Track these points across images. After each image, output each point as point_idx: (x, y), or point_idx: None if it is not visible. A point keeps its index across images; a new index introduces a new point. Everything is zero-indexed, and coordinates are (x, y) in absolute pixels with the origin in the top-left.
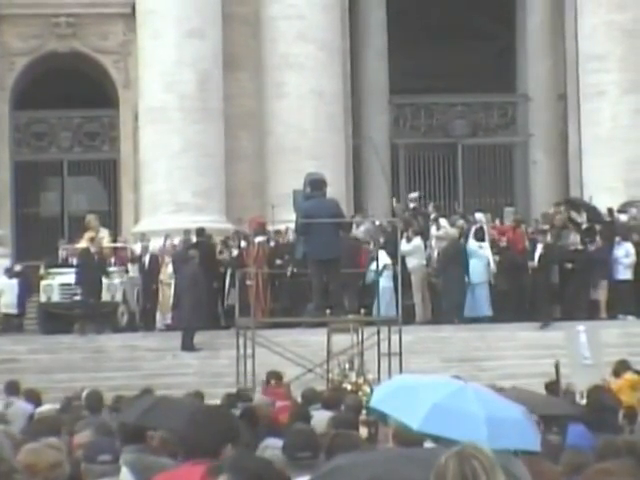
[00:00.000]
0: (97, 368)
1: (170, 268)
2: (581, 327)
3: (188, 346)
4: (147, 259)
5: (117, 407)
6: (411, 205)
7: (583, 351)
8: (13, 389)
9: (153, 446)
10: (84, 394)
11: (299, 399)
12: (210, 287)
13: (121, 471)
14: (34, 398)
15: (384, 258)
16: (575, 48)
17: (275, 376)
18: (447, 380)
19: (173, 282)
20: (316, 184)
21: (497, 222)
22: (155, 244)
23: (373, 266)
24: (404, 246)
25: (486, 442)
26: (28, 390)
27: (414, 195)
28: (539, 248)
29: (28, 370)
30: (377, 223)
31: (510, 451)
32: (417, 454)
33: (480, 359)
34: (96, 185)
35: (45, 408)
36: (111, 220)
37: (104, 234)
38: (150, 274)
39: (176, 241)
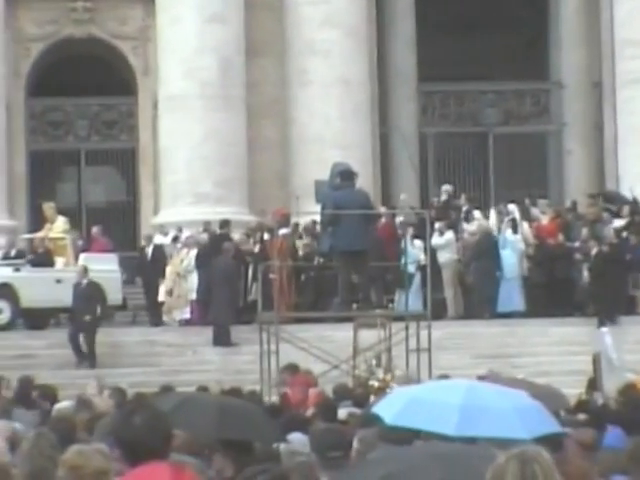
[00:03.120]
0: (115, 364)
1: (187, 261)
2: (604, 328)
3: (224, 341)
4: (150, 251)
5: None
6: (443, 197)
7: (610, 352)
8: (27, 385)
9: (174, 445)
10: (103, 390)
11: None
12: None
13: None
14: (49, 395)
15: (416, 251)
16: (610, 34)
17: (291, 369)
18: (448, 383)
19: (195, 275)
20: (346, 174)
21: (531, 214)
22: (163, 237)
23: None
24: (436, 240)
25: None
26: (43, 386)
27: (447, 187)
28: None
29: (44, 366)
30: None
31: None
32: (443, 452)
33: (512, 355)
34: (114, 175)
35: (62, 405)
36: (130, 211)
37: (59, 224)
38: (154, 267)
39: (186, 233)
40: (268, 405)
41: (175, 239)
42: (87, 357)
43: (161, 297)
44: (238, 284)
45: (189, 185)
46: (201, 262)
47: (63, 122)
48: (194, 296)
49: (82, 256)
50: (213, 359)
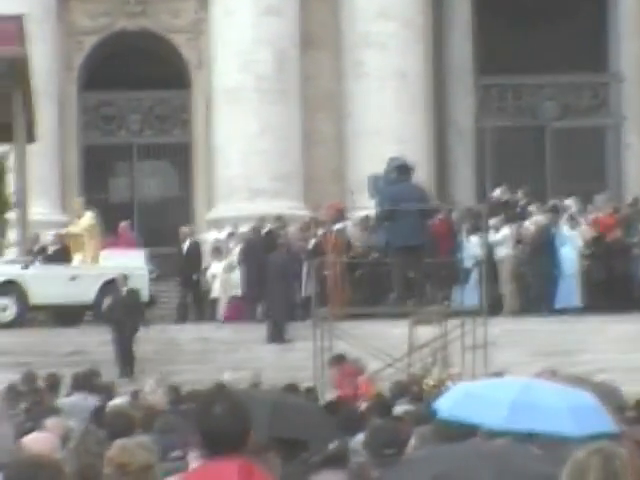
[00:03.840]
0: (169, 361)
1: (231, 257)
2: None
3: (278, 338)
4: (186, 247)
5: (192, 403)
6: (497, 192)
7: None
8: (80, 382)
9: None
10: (158, 388)
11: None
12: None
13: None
14: (106, 391)
15: (472, 246)
16: None
17: (337, 359)
18: (507, 379)
19: (241, 271)
20: (403, 169)
21: (590, 209)
22: (217, 233)
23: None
24: (493, 237)
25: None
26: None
27: (500, 189)
28: None
29: (98, 363)
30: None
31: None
32: (490, 451)
33: (570, 352)
34: (167, 170)
35: (117, 401)
36: (183, 207)
37: (85, 219)
38: (190, 263)
39: (242, 229)
40: (324, 402)
41: (231, 235)
42: (126, 365)
43: (215, 293)
44: (293, 280)
45: (244, 180)
46: (246, 258)
47: (116, 116)
48: (236, 292)
49: (104, 252)
50: (266, 356)
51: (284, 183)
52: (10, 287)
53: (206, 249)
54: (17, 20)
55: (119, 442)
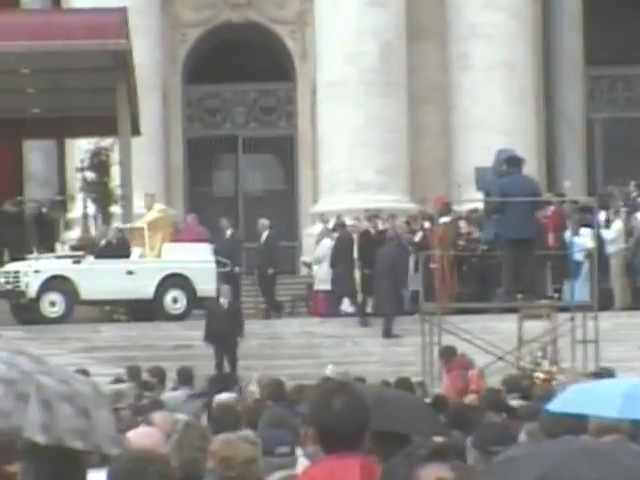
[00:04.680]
0: (274, 355)
1: (318, 251)
2: None
3: (385, 332)
4: (263, 240)
5: (297, 397)
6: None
7: None
8: (186, 376)
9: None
10: (262, 382)
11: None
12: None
13: (298, 463)
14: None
15: (583, 239)
16: None
17: (447, 353)
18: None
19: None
20: (514, 161)
21: None
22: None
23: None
24: (606, 233)
25: None
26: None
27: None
28: None
29: (202, 357)
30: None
31: None
32: (596, 448)
33: None
34: (272, 163)
35: (223, 396)
36: (288, 200)
37: (151, 213)
38: (268, 257)
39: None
40: (432, 397)
41: (336, 228)
42: (229, 377)
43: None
44: (402, 274)
45: (349, 173)
46: (337, 253)
47: (220, 109)
48: (320, 286)
49: (166, 246)
50: (374, 350)
51: (389, 176)
52: (60, 282)
53: (310, 242)
54: (121, 13)
55: (222, 436)
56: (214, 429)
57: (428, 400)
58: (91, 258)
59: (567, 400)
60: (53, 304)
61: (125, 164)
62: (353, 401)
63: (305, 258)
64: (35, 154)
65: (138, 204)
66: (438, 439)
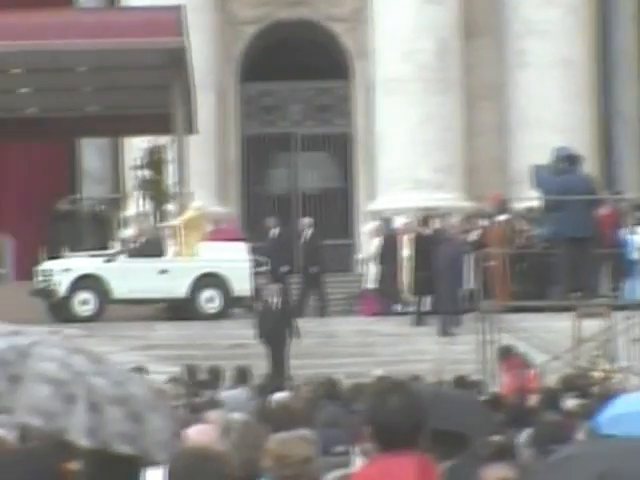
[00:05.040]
0: (329, 354)
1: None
2: None
3: (444, 330)
4: (307, 237)
5: (353, 396)
6: None
7: None
8: (242, 375)
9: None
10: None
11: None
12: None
13: (354, 462)
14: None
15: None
16: None
17: (504, 352)
18: None
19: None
20: (572, 159)
21: None
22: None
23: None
24: None
25: None
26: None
27: None
28: None
29: (257, 356)
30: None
31: None
32: None
33: None
34: (328, 161)
35: (279, 395)
36: (344, 198)
37: (188, 212)
38: (308, 256)
39: (405, 220)
40: (489, 395)
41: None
42: (281, 376)
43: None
44: (461, 272)
45: (406, 171)
46: (383, 252)
47: (276, 107)
48: (370, 285)
49: (201, 245)
50: (430, 349)
51: (446, 174)
52: (91, 281)
53: (366, 241)
54: (176, 11)
55: (279, 435)
56: (272, 428)
57: (484, 399)
58: (123, 257)
59: (615, 423)
60: (84, 303)
61: (180, 162)
62: (409, 399)
63: (360, 256)
64: (91, 152)
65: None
66: (497, 438)
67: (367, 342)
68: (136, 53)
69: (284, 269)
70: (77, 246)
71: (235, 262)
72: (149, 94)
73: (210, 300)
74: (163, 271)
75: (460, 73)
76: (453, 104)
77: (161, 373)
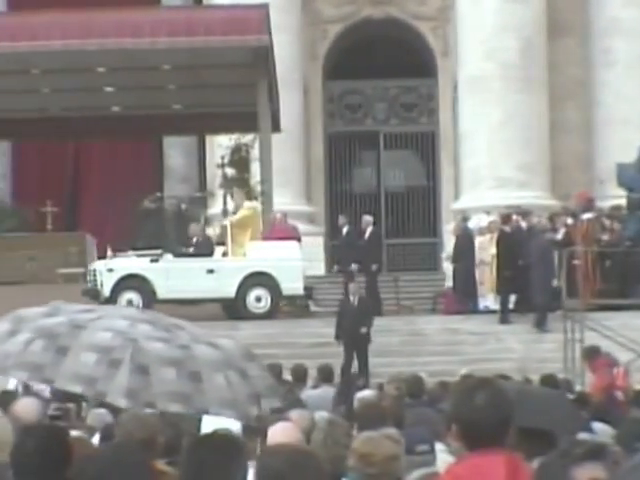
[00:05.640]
0: (415, 352)
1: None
2: None
3: (538, 325)
4: (368, 235)
5: (439, 394)
6: None
7: None
8: (326, 373)
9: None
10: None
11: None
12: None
13: (437, 461)
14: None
15: None
16: None
17: (590, 352)
18: None
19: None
20: None
21: None
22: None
23: None
24: None
25: None
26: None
27: None
28: None
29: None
30: None
31: None
32: None
33: None
34: (413, 159)
35: (365, 394)
36: (429, 196)
37: (241, 212)
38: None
39: (490, 218)
40: (576, 394)
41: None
42: (361, 374)
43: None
44: (553, 265)
45: (490, 169)
46: (457, 252)
47: (361, 105)
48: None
49: (251, 244)
50: (515, 347)
51: (530, 172)
52: (135, 281)
53: (452, 239)
54: (262, 9)
55: (365, 433)
56: (359, 427)
57: (571, 397)
58: (169, 256)
59: None
60: (130, 303)
61: (265, 160)
62: (496, 396)
63: (444, 255)
64: (175, 150)
65: (278, 201)
66: (585, 436)
67: (452, 340)
68: (221, 51)
69: (353, 267)
70: (160, 245)
71: (285, 261)
72: (234, 92)
73: (258, 299)
74: (210, 271)
75: (544, 71)
76: (537, 103)
77: None
